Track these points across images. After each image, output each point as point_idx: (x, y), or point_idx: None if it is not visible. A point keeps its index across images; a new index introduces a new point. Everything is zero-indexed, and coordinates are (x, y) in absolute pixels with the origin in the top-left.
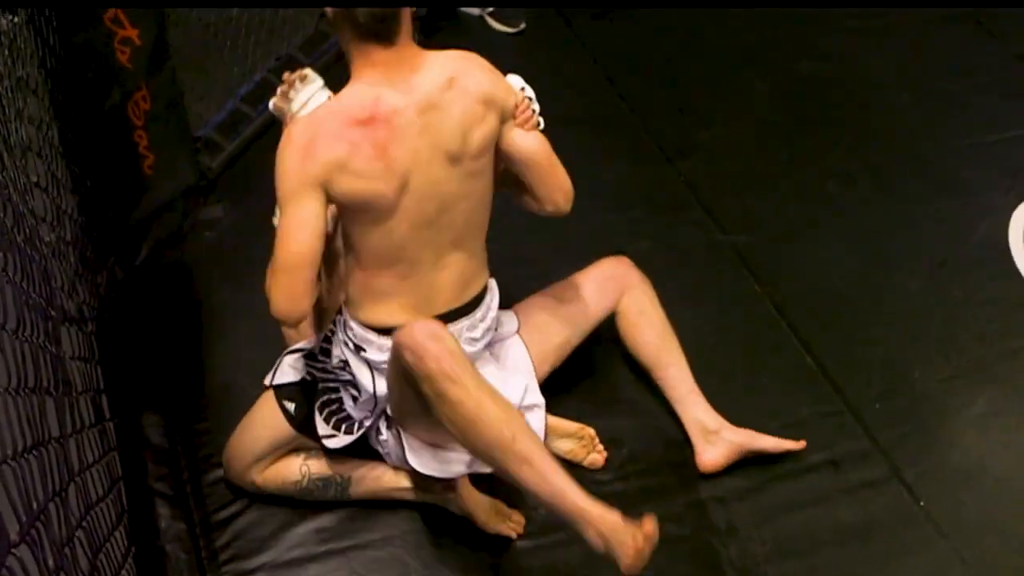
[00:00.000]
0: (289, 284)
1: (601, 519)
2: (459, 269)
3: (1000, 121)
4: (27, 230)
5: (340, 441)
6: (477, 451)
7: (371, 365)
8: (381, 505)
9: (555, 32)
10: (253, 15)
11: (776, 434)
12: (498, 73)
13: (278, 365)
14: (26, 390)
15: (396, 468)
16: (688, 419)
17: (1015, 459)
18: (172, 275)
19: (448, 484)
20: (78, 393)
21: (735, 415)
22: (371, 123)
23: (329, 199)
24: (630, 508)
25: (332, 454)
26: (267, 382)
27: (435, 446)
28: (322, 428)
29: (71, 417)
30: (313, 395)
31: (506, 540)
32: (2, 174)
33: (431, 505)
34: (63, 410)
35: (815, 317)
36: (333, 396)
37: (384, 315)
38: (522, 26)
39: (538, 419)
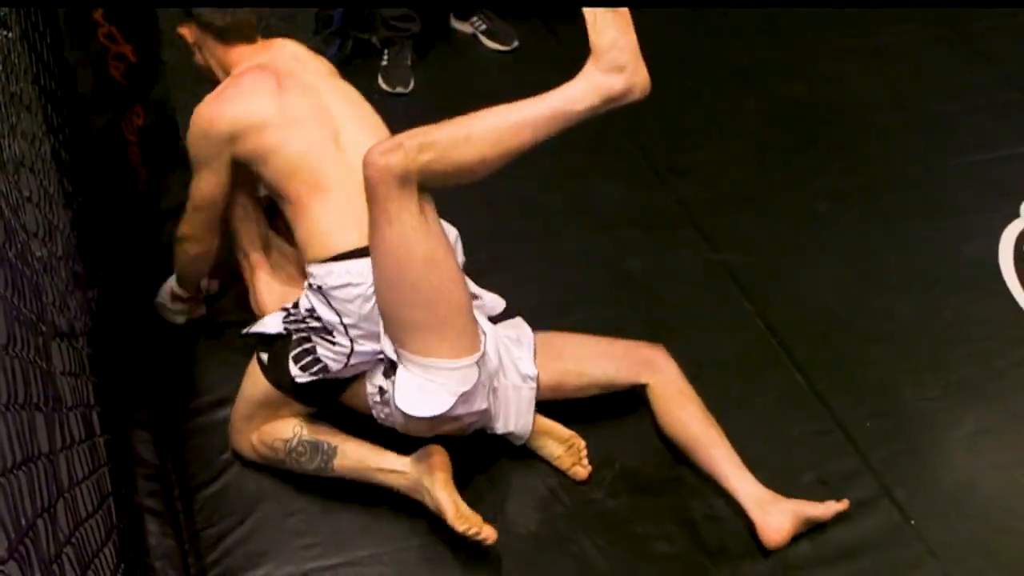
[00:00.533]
0: (202, 217)
1: None
2: None
3: (990, 141)
4: (19, 245)
5: (308, 377)
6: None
7: (328, 298)
8: (370, 521)
9: (547, 50)
10: None
11: (767, 452)
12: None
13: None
14: (16, 406)
15: (381, 448)
16: (742, 494)
17: (1005, 479)
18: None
19: (430, 465)
20: (68, 409)
21: (726, 433)
22: (237, 81)
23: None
24: (621, 526)
25: (324, 422)
26: (244, 331)
27: (426, 370)
28: (296, 372)
29: (61, 433)
30: (288, 346)
31: (496, 561)
32: None
33: (420, 523)
34: (53, 426)
35: (807, 337)
36: (307, 346)
37: (332, 242)
38: (515, 44)
39: (529, 388)
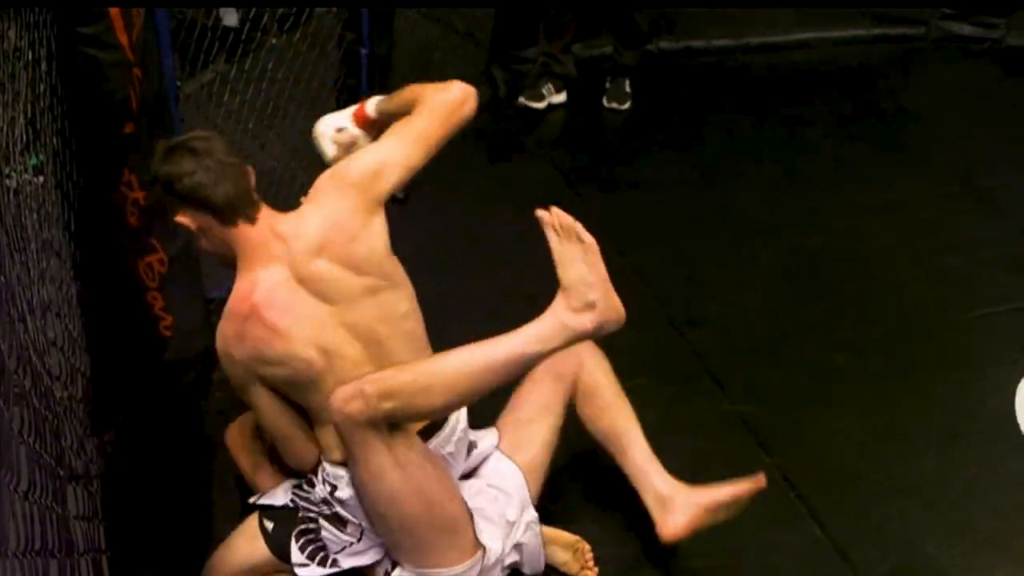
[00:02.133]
0: (285, 445)
1: None
2: None
3: (1004, 294)
4: (42, 389)
5: (312, 572)
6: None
7: (344, 503)
8: None
9: (565, 204)
10: (271, 181)
11: None
12: (346, 181)
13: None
14: (32, 553)
15: None
16: (645, 491)
17: None
18: (181, 435)
19: None
20: (80, 554)
21: None
22: (253, 313)
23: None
24: None
25: None
26: (252, 500)
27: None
28: (296, 556)
29: None
30: (294, 522)
31: None
32: (24, 336)
33: None
34: (65, 571)
35: (826, 490)
36: (312, 526)
37: None
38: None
39: (534, 534)
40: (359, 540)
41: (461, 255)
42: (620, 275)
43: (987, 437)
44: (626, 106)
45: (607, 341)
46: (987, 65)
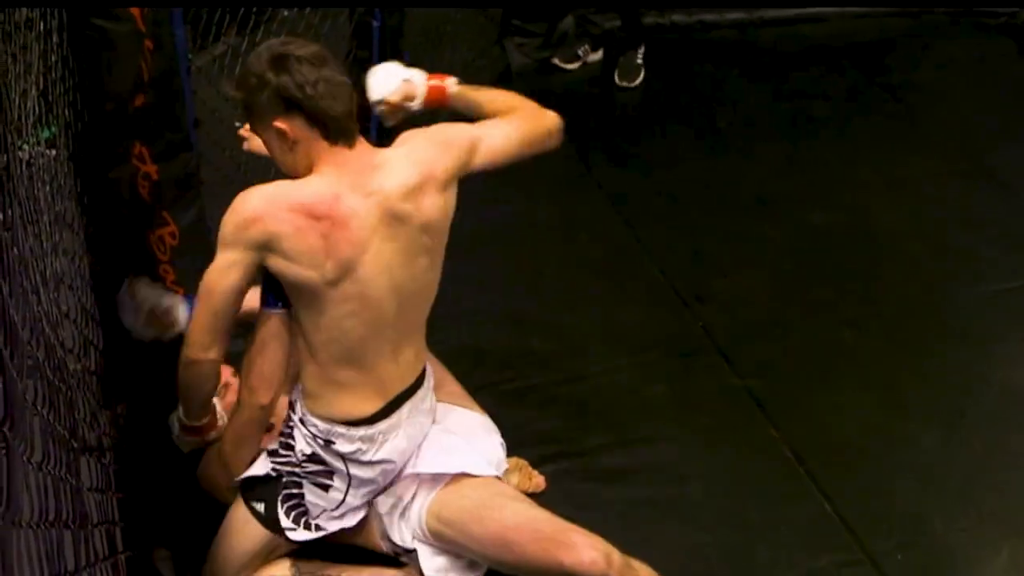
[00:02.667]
0: (205, 314)
1: None
2: (413, 353)
3: (1011, 272)
4: (56, 361)
5: (300, 535)
6: None
7: (344, 457)
8: None
9: (573, 176)
10: None
11: None
12: (447, 139)
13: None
14: (46, 524)
15: (379, 568)
16: None
17: None
18: None
19: None
20: (93, 525)
21: (752, 564)
22: (324, 219)
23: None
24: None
25: (315, 559)
26: (234, 482)
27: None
28: (284, 520)
29: (86, 550)
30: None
31: None
32: (37, 308)
33: None
34: (79, 543)
35: (833, 465)
36: (295, 491)
37: (348, 406)
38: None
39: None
40: (342, 502)
41: (467, 227)
42: (628, 250)
43: (993, 414)
44: (637, 81)
45: (616, 316)
46: (1002, 41)
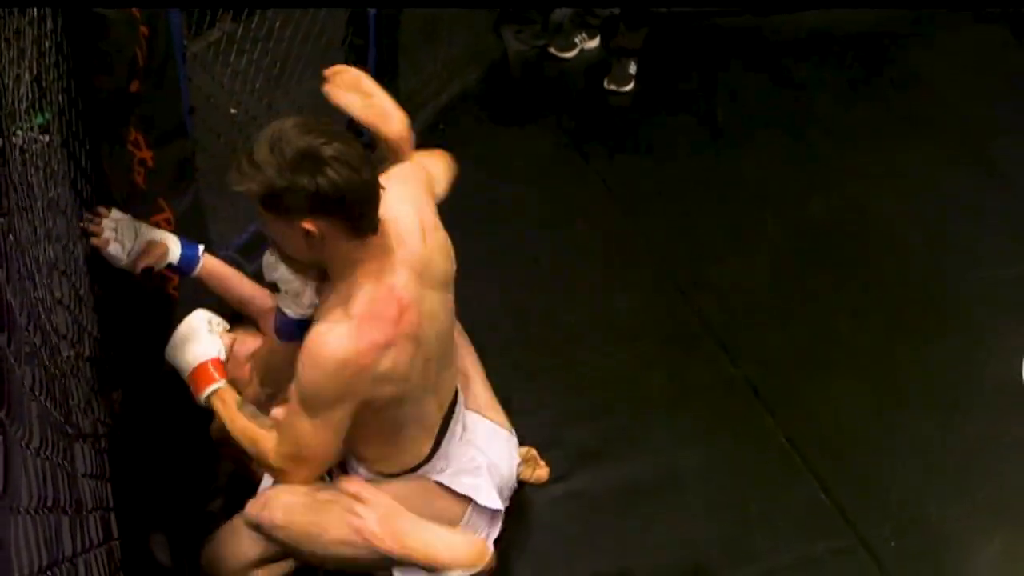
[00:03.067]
0: (309, 474)
1: None
2: (451, 378)
3: (1009, 260)
4: (52, 347)
5: None
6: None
7: None
8: None
9: (571, 164)
10: None
11: (791, 571)
12: (420, 177)
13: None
14: (44, 509)
15: None
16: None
17: None
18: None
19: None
20: (88, 511)
21: (748, 551)
22: (402, 317)
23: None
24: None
25: None
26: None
27: None
28: None
29: (82, 536)
30: None
31: None
32: (34, 294)
33: None
34: (76, 528)
35: (829, 452)
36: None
37: (410, 458)
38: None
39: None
40: None
41: (465, 216)
42: (626, 238)
43: (989, 402)
44: (628, 88)
45: (613, 304)
46: (1001, 31)
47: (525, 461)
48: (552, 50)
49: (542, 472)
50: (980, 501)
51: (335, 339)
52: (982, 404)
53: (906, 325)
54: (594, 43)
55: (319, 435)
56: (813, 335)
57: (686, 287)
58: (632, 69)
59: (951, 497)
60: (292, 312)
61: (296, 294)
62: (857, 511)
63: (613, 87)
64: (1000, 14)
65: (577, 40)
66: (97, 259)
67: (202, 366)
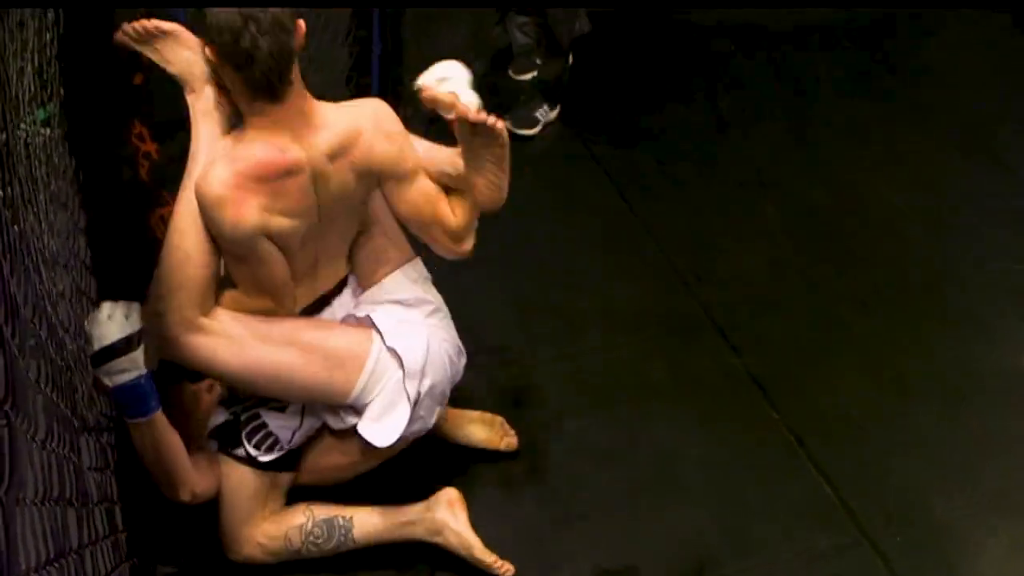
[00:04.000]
0: (285, 290)
1: None
2: (331, 276)
3: (1012, 251)
4: (58, 340)
5: (268, 457)
6: None
7: None
8: None
9: (573, 154)
10: None
11: (793, 566)
12: (395, 136)
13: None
14: (51, 501)
15: (392, 506)
16: None
17: None
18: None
19: (449, 502)
20: (94, 503)
21: (750, 543)
22: (290, 171)
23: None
24: None
25: (327, 501)
26: (212, 448)
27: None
28: (251, 450)
29: (88, 528)
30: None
31: None
32: (40, 286)
33: None
34: (82, 520)
35: (831, 444)
36: (256, 422)
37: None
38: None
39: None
40: (302, 421)
41: None
42: (628, 228)
43: (991, 393)
44: (534, 131)
45: (615, 295)
46: (1005, 22)
47: (488, 426)
48: (510, 126)
49: (511, 440)
50: (984, 494)
51: (213, 177)
52: (986, 396)
53: (909, 316)
54: (554, 114)
55: (269, 260)
56: (816, 326)
57: (688, 277)
58: (542, 112)
59: (955, 490)
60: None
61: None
62: (861, 504)
63: (519, 131)
64: (1004, 3)
65: (539, 115)
66: (99, 251)
67: None
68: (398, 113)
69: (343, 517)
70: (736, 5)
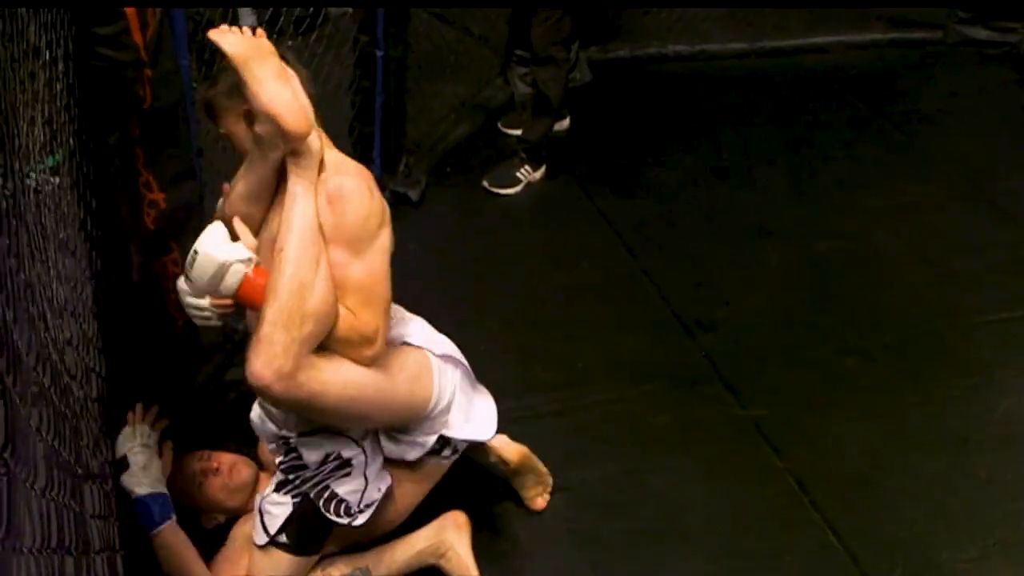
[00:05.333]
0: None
1: None
2: None
3: (1015, 298)
4: (61, 388)
5: (365, 516)
6: None
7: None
8: None
9: (576, 204)
10: None
11: None
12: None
13: (262, 517)
14: (49, 550)
15: (402, 538)
16: None
17: None
18: (195, 434)
19: (456, 524)
20: (95, 552)
21: None
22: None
23: None
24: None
25: (339, 555)
26: (262, 541)
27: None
28: (337, 518)
29: None
30: (303, 512)
31: None
32: (44, 334)
33: None
34: (81, 569)
35: (837, 494)
36: (327, 495)
37: None
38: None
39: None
40: (366, 469)
41: (469, 254)
42: (631, 278)
43: (997, 441)
44: (513, 191)
45: (618, 345)
46: (1003, 70)
47: (543, 485)
48: (488, 184)
49: (541, 502)
50: (991, 542)
51: (348, 179)
52: (990, 444)
53: (912, 365)
54: (539, 174)
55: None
56: (820, 375)
57: (692, 327)
58: (523, 172)
59: (961, 539)
60: (141, 488)
61: (143, 466)
62: (866, 554)
63: (495, 189)
64: (1001, 55)
65: (520, 175)
66: (105, 300)
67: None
68: (399, 164)
69: (360, 569)
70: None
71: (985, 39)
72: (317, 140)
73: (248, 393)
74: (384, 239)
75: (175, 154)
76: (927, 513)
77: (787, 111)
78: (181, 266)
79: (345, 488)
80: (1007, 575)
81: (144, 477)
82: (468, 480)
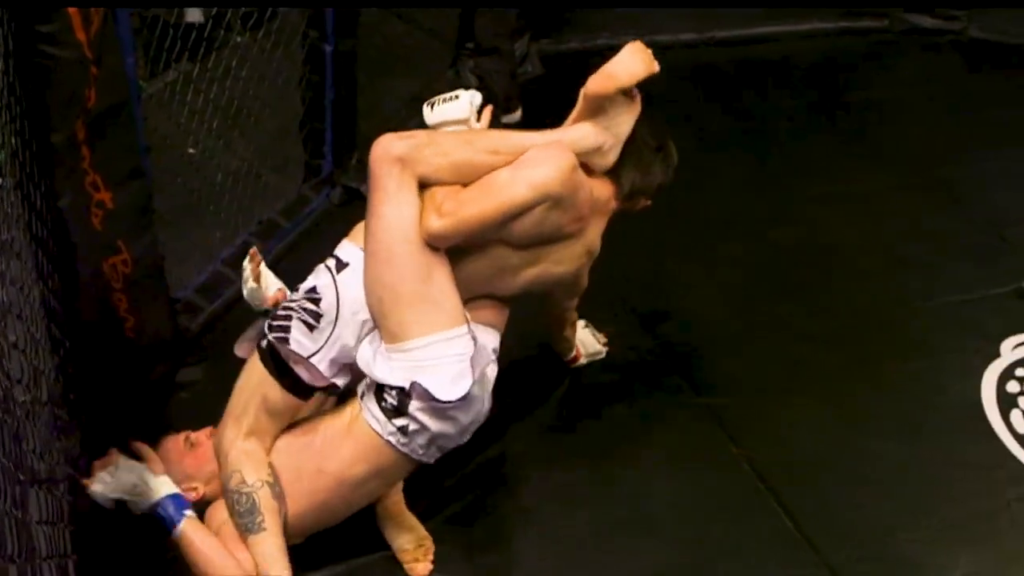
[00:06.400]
0: None
1: None
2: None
3: (964, 283)
4: (2, 393)
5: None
6: None
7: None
8: None
9: None
10: (236, 180)
11: None
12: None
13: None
14: None
15: None
16: None
17: None
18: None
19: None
20: (42, 558)
21: None
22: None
23: None
24: None
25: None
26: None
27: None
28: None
29: None
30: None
31: None
32: None
33: None
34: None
35: (793, 480)
36: (284, 322)
37: None
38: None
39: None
40: (317, 352)
41: None
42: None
43: (949, 425)
44: None
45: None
46: (950, 57)
47: (418, 543)
48: None
49: (420, 570)
50: (944, 523)
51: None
52: (943, 427)
53: (866, 349)
54: (516, 116)
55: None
56: (775, 362)
57: (647, 318)
58: None
59: (916, 520)
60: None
61: (133, 485)
62: (823, 538)
63: None
64: (948, 43)
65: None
66: (53, 302)
67: None
68: (351, 160)
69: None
70: None
71: (931, 27)
72: None
73: (200, 392)
74: None
75: (122, 154)
76: (882, 495)
77: (738, 100)
78: (129, 267)
79: (299, 334)
80: (960, 554)
81: (143, 491)
82: (430, 476)
